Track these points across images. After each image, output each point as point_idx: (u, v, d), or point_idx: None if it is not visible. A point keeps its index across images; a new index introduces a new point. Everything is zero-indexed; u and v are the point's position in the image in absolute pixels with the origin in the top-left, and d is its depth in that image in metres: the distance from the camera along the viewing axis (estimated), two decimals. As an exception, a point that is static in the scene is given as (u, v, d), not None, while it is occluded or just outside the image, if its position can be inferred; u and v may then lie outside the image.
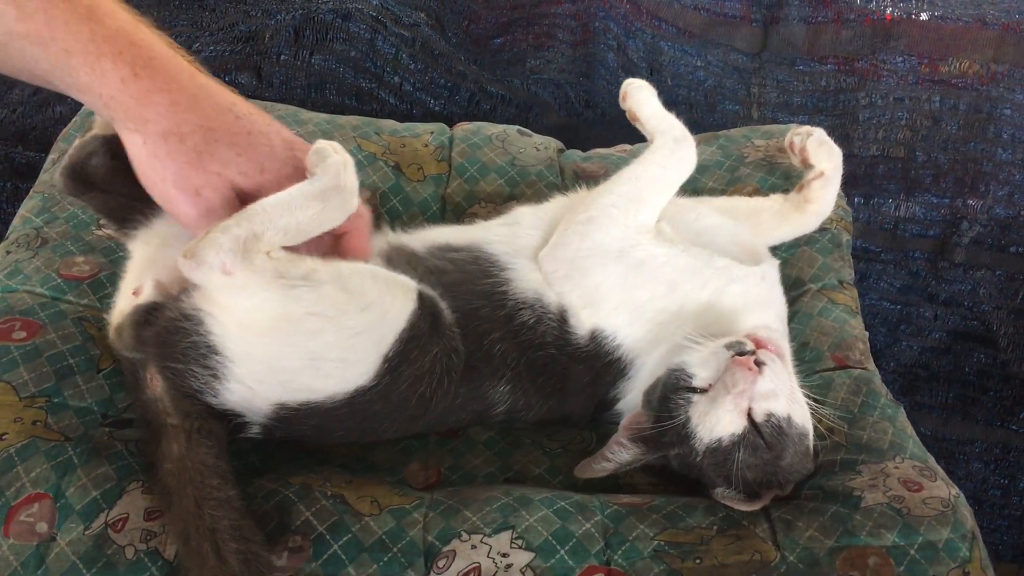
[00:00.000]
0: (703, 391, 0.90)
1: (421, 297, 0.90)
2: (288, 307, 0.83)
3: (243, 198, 0.84)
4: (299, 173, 0.86)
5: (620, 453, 0.91)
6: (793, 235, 1.15)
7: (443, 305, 0.92)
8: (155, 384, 0.85)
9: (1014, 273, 1.71)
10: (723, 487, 0.89)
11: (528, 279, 0.98)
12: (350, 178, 0.86)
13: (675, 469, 0.93)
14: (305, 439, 0.92)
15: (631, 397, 0.98)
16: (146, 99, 0.80)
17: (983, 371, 1.73)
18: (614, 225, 0.98)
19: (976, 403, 1.73)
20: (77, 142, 0.93)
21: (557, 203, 1.07)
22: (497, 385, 0.95)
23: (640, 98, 1.08)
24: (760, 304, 1.00)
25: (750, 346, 0.90)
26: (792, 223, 1.13)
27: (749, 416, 0.88)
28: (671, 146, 1.04)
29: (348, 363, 0.85)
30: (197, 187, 0.82)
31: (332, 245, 0.91)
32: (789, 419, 0.89)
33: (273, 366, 0.84)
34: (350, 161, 0.87)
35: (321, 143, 0.86)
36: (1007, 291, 1.71)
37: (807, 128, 1.15)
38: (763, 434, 0.87)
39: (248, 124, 0.85)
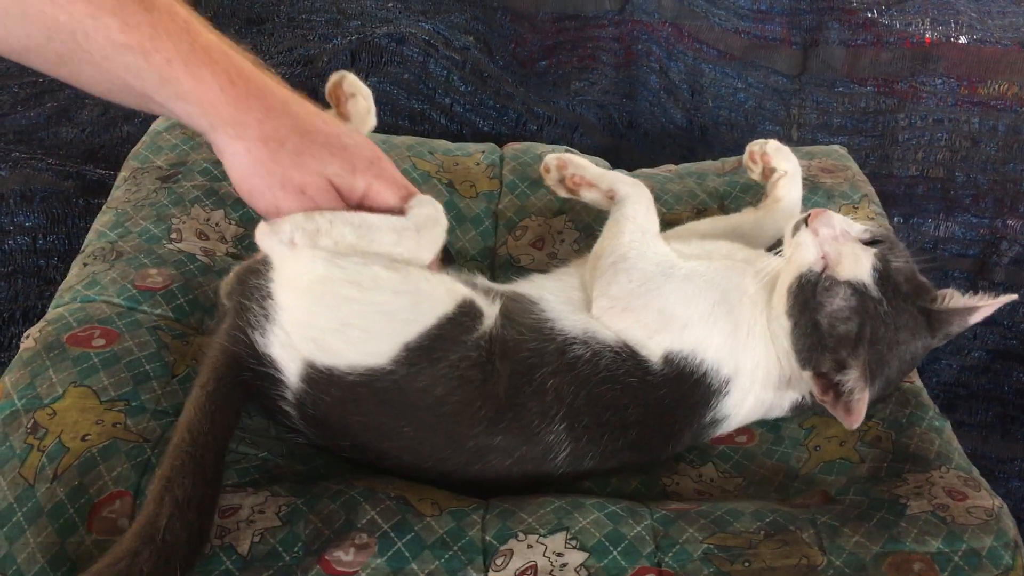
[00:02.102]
0: (824, 269, 0.96)
1: (464, 305, 0.92)
2: (332, 271, 0.89)
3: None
4: (382, 179, 0.92)
5: (847, 382, 0.94)
6: (772, 239, 1.17)
7: (490, 321, 0.94)
8: (224, 325, 0.92)
9: (1054, 293, 1.72)
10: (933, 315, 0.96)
11: (571, 319, 0.99)
12: (434, 234, 0.93)
13: (888, 358, 0.96)
14: (328, 428, 0.92)
15: (735, 412, 1.01)
16: (244, 105, 0.84)
17: (1022, 390, 1.74)
18: (645, 256, 1.02)
19: (1016, 421, 1.74)
20: None
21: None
22: (550, 424, 0.93)
23: (581, 164, 1.15)
24: None
25: (805, 214, 1.00)
26: (769, 226, 1.17)
27: (864, 243, 0.97)
28: (636, 189, 1.09)
29: (369, 337, 0.89)
30: (302, 186, 0.88)
31: None
32: (874, 226, 1.00)
33: (308, 322, 0.89)
34: (443, 222, 0.95)
35: (427, 198, 0.95)
36: (1047, 311, 1.72)
37: (761, 140, 1.20)
38: (884, 238, 0.98)
39: (337, 128, 0.91)
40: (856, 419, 0.92)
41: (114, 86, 0.84)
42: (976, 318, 0.97)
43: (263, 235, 0.90)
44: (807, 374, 0.97)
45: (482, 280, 1.02)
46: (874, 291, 0.94)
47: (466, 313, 0.92)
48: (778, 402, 1.03)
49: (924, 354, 1.00)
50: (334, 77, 1.08)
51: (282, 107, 0.87)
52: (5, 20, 0.78)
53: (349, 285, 0.89)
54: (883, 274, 0.95)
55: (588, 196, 1.14)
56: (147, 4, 0.81)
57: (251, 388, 0.91)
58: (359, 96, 1.08)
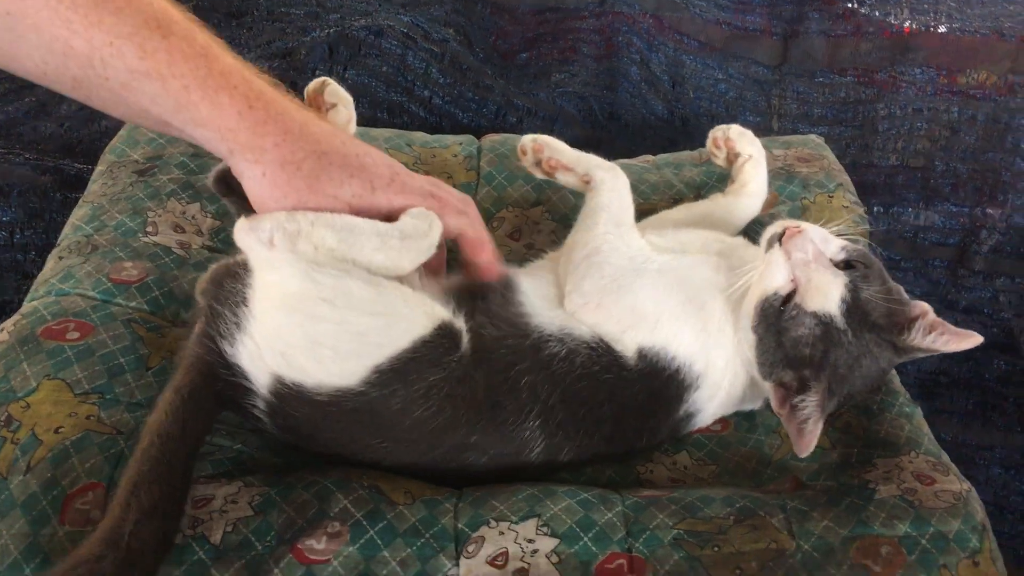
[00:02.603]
0: (792, 292, 0.95)
1: (442, 328, 0.91)
2: (306, 286, 0.87)
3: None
4: (404, 194, 0.92)
5: (805, 407, 0.93)
6: (743, 223, 1.19)
7: (466, 339, 0.93)
8: (198, 328, 0.91)
9: (1033, 281, 1.73)
10: (898, 345, 0.96)
11: (547, 314, 0.99)
12: (419, 244, 0.91)
13: (850, 382, 0.96)
14: (301, 438, 0.92)
15: (707, 406, 1.01)
16: (262, 129, 0.85)
17: (1003, 378, 1.75)
18: (618, 250, 1.02)
19: (996, 409, 1.75)
20: None
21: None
22: (525, 421, 0.93)
23: (557, 148, 1.12)
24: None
25: (780, 228, 0.98)
26: (739, 211, 1.18)
27: (838, 266, 0.95)
28: (611, 175, 1.08)
29: (339, 357, 0.87)
30: (317, 209, 0.88)
31: None
32: (853, 245, 0.98)
33: (279, 336, 0.87)
34: (433, 236, 0.92)
35: (423, 211, 0.92)
36: (1027, 298, 1.74)
37: (724, 125, 1.20)
38: (860, 261, 0.96)
39: (355, 148, 0.91)
40: (806, 446, 0.92)
41: (131, 111, 0.84)
42: (944, 351, 0.97)
43: (242, 232, 0.88)
44: (768, 384, 0.97)
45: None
46: (840, 323, 0.94)
47: (444, 335, 0.91)
48: (750, 396, 1.04)
49: (890, 370, 1.02)
50: (315, 83, 1.08)
51: (300, 129, 0.87)
52: (22, 45, 0.79)
53: (322, 303, 0.87)
54: (851, 305, 0.94)
55: (564, 179, 1.12)
56: (164, 30, 0.81)
57: (226, 396, 0.91)
58: (340, 105, 1.08)
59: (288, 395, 0.88)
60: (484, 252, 0.99)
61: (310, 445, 0.93)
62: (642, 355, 0.98)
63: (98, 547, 0.77)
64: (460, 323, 0.94)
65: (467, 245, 0.99)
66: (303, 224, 0.87)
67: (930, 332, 0.96)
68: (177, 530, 0.83)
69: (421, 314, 0.91)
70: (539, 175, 1.15)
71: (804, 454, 0.92)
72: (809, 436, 0.92)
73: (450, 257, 1.04)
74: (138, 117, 0.86)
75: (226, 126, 0.84)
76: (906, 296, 0.99)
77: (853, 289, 0.94)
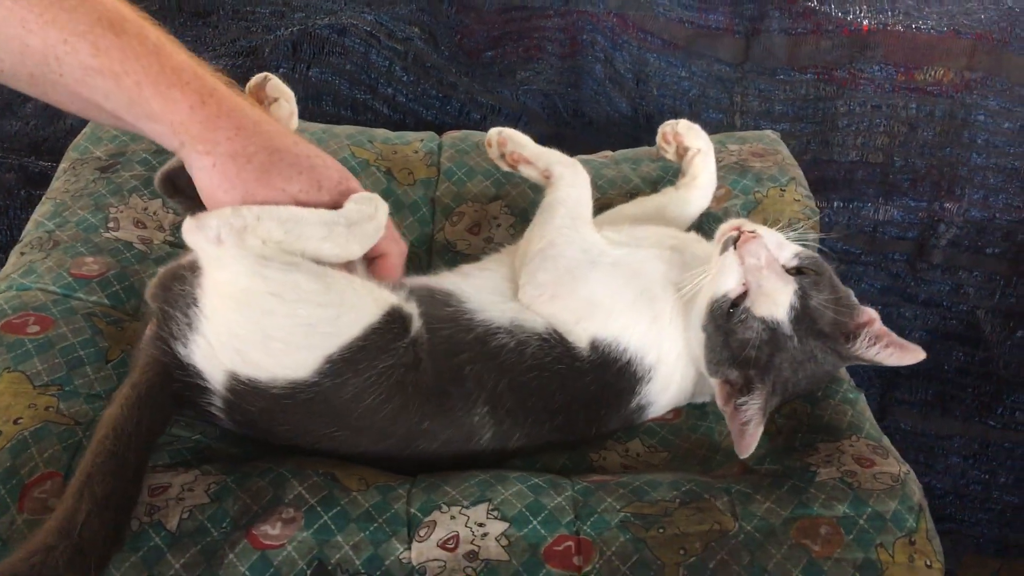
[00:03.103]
0: (743, 296, 0.97)
1: (391, 314, 0.93)
2: (254, 282, 0.88)
3: None
4: (346, 197, 0.94)
5: (748, 410, 0.95)
6: (696, 214, 1.22)
7: (418, 323, 0.95)
8: (150, 330, 0.92)
9: (991, 273, 1.77)
10: (843, 353, 0.98)
11: (498, 308, 1.01)
12: (365, 228, 0.93)
13: (794, 384, 0.98)
14: (258, 431, 0.94)
15: (659, 399, 1.04)
16: (214, 123, 0.87)
17: (962, 368, 1.79)
18: (572, 243, 1.04)
19: (955, 400, 1.79)
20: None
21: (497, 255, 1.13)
22: (472, 408, 0.95)
23: (520, 141, 1.15)
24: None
25: (735, 232, 0.99)
26: (692, 202, 1.21)
27: (790, 272, 0.97)
28: (571, 170, 1.11)
29: (291, 349, 0.89)
30: (264, 202, 0.89)
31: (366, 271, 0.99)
32: (806, 251, 0.99)
33: (231, 333, 0.88)
34: (379, 219, 0.94)
35: (367, 194, 0.95)
36: (984, 291, 1.77)
37: (673, 120, 1.22)
38: (811, 268, 0.97)
39: (306, 149, 0.93)
40: (747, 447, 0.93)
41: (86, 107, 0.86)
42: (887, 364, 0.99)
43: (190, 231, 0.89)
44: (715, 381, 0.99)
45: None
46: (787, 329, 0.96)
47: (393, 321, 0.93)
48: (700, 390, 1.06)
49: (835, 372, 1.04)
50: (256, 78, 1.10)
51: (253, 126, 0.89)
52: None
53: (271, 297, 0.88)
54: (799, 312, 0.96)
55: (526, 173, 1.15)
56: (117, 28, 0.83)
57: (181, 396, 0.92)
58: (282, 100, 1.09)
59: (243, 391, 0.90)
60: (393, 275, 1.01)
61: (267, 437, 0.95)
62: (595, 346, 1.00)
63: (51, 537, 0.79)
64: (411, 308, 0.96)
65: (384, 267, 1.00)
66: (248, 218, 0.88)
67: (875, 343, 0.97)
68: (129, 521, 0.85)
69: (370, 302, 0.93)
70: (504, 167, 1.17)
71: (744, 455, 0.94)
72: (750, 438, 0.94)
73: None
74: (92, 113, 0.88)
75: (178, 120, 0.86)
76: (855, 301, 1.01)
77: (802, 296, 0.96)
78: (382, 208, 0.95)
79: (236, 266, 0.88)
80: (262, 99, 1.09)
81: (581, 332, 1.01)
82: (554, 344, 0.99)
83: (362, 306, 0.92)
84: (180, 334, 0.90)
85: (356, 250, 0.94)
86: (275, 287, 0.88)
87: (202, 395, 0.91)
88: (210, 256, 0.89)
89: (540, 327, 1.00)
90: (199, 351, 0.90)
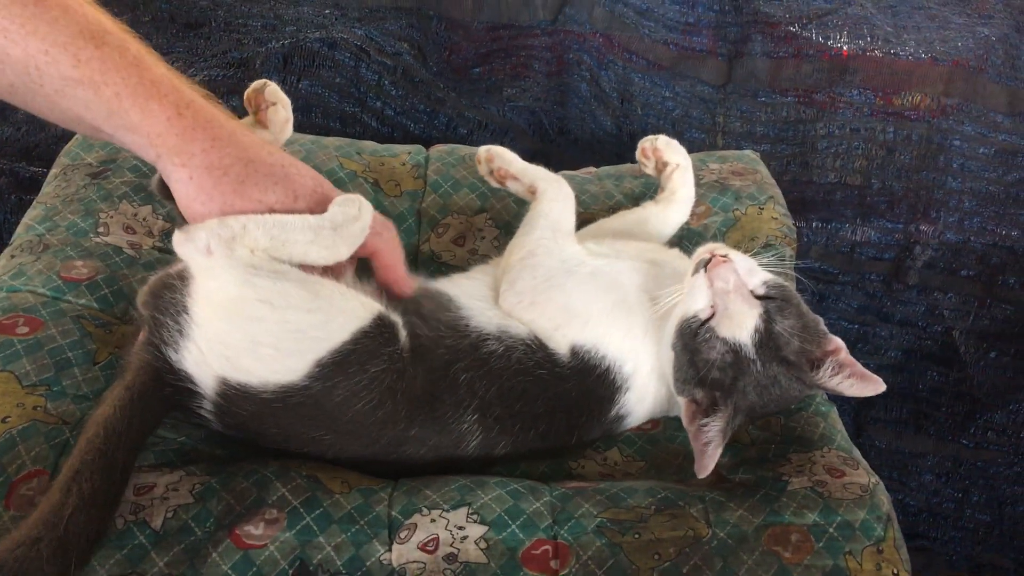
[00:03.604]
0: (710, 317, 0.99)
1: (380, 320, 0.95)
2: (244, 291, 0.90)
3: None
4: (323, 206, 0.96)
5: (709, 431, 0.96)
6: (675, 228, 1.25)
7: (404, 333, 0.97)
8: (142, 335, 0.94)
9: (965, 295, 1.80)
10: (807, 380, 0.99)
11: (486, 315, 1.04)
12: (351, 229, 0.95)
13: (758, 407, 0.99)
14: (249, 434, 0.95)
15: (637, 409, 1.07)
16: (191, 135, 0.88)
17: (936, 388, 1.82)
18: (551, 254, 1.08)
19: (928, 418, 1.82)
20: None
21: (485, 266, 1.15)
22: (463, 415, 0.97)
23: (507, 158, 1.19)
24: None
25: (708, 255, 1.01)
26: (671, 215, 1.24)
27: (758, 297, 0.98)
28: (554, 186, 1.15)
29: (281, 355, 0.91)
30: (242, 213, 0.91)
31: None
32: (775, 279, 1.01)
33: (221, 340, 0.91)
34: (364, 219, 0.96)
35: (350, 196, 0.96)
36: (959, 312, 1.80)
37: (652, 136, 1.26)
38: (778, 296, 0.99)
39: (280, 159, 0.95)
40: (705, 468, 0.95)
41: (66, 116, 0.88)
42: (847, 394, 1.01)
43: (180, 243, 0.92)
44: (681, 400, 1.01)
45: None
46: (750, 352, 0.97)
47: (383, 326, 0.95)
48: (675, 404, 1.07)
49: (801, 397, 1.05)
50: (255, 84, 1.12)
51: (228, 137, 0.91)
52: None
53: (261, 304, 0.91)
54: (763, 337, 0.97)
55: (513, 188, 1.19)
56: (98, 40, 0.85)
57: (172, 399, 0.94)
58: (279, 105, 1.12)
59: (234, 396, 0.92)
60: (394, 272, 1.03)
61: (257, 440, 0.96)
62: (574, 352, 1.03)
63: (36, 529, 0.80)
64: (396, 316, 0.98)
65: (380, 265, 1.02)
66: (235, 228, 0.90)
67: (838, 372, 0.99)
68: (113, 519, 0.86)
69: (358, 306, 0.95)
70: (493, 183, 1.21)
71: (703, 474, 0.95)
72: (709, 459, 0.95)
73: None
74: (72, 122, 0.90)
75: (155, 131, 0.88)
76: (823, 329, 1.02)
77: (767, 321, 0.98)
78: (366, 208, 0.97)
79: (225, 275, 0.91)
80: (260, 103, 1.12)
81: (560, 339, 1.03)
82: (536, 350, 1.02)
83: (351, 311, 0.94)
84: (171, 340, 0.92)
85: (344, 251, 0.96)
86: (264, 294, 0.91)
87: (193, 399, 0.93)
88: (201, 266, 0.91)
89: (524, 333, 1.03)
90: (190, 357, 0.92)
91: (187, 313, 0.92)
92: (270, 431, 0.94)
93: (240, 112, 1.55)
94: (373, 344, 0.93)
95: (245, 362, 0.91)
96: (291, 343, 0.91)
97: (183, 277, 0.93)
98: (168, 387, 0.92)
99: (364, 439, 0.95)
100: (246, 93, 1.12)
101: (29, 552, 0.79)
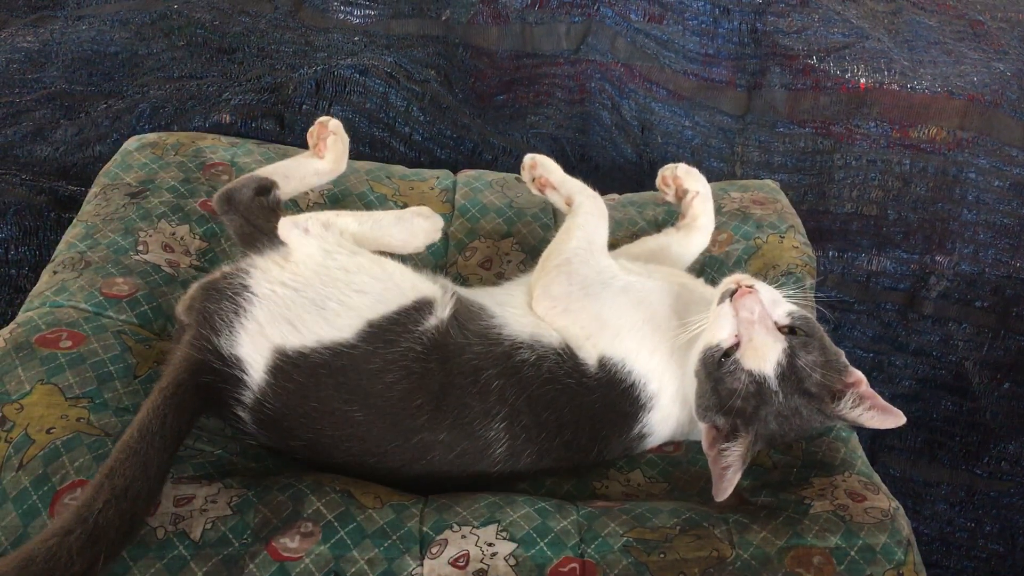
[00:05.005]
0: (735, 347, 1.00)
1: (420, 301, 1.03)
2: (327, 259, 1.05)
3: None
4: None
5: (729, 456, 0.99)
6: (696, 254, 1.28)
7: (434, 322, 1.03)
8: (185, 338, 1.00)
9: (980, 326, 1.81)
10: (828, 412, 1.01)
11: (520, 322, 1.07)
12: (427, 222, 1.17)
13: (779, 436, 1.01)
14: (281, 431, 0.99)
15: (659, 429, 1.08)
16: None
17: (950, 417, 1.83)
18: (587, 264, 1.11)
19: (943, 447, 1.82)
20: (241, 176, 1.21)
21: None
22: (491, 423, 1.00)
23: (549, 167, 1.24)
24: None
25: (734, 285, 1.03)
26: (692, 242, 1.27)
27: (782, 330, 1.00)
28: (591, 200, 1.19)
29: (344, 310, 1.00)
30: None
31: None
32: (799, 311, 1.03)
33: (288, 304, 1.00)
34: (437, 221, 1.18)
35: (426, 209, 1.18)
36: (973, 343, 1.82)
37: (672, 164, 1.29)
38: (801, 330, 1.01)
39: None
40: (723, 491, 0.97)
41: None
42: (868, 426, 1.02)
43: (284, 225, 1.07)
44: (702, 425, 1.03)
45: (444, 282, 1.10)
46: (773, 384, 0.99)
47: (419, 308, 1.03)
48: (696, 427, 1.08)
49: (820, 427, 1.07)
50: (320, 119, 1.28)
51: None
52: None
53: (338, 270, 1.04)
54: (786, 370, 0.99)
55: (552, 197, 1.24)
56: None
57: (210, 395, 0.97)
58: (339, 137, 1.26)
59: (285, 368, 0.97)
60: None
61: (287, 438, 0.99)
62: (603, 364, 1.06)
63: (68, 522, 0.84)
64: (439, 309, 1.04)
65: None
66: (331, 216, 1.09)
67: (859, 404, 1.01)
68: (145, 516, 0.89)
69: (409, 286, 1.05)
70: (534, 191, 1.25)
71: (720, 498, 0.97)
72: (727, 483, 0.97)
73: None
74: None
75: None
76: (844, 362, 1.04)
77: (790, 355, 1.00)
78: (437, 217, 1.18)
79: (315, 248, 1.05)
80: (322, 135, 1.25)
81: (591, 348, 1.06)
82: (566, 359, 1.05)
83: (403, 287, 1.05)
84: (223, 327, 0.98)
85: (421, 241, 1.16)
86: (342, 262, 1.05)
87: (234, 391, 0.98)
88: (298, 242, 1.06)
89: (556, 342, 1.06)
90: (246, 335, 0.98)
91: (248, 289, 1.01)
92: (308, 407, 0.97)
93: (270, 135, 1.60)
94: (408, 320, 1.01)
95: (308, 320, 0.99)
96: (354, 300, 1.01)
97: (242, 270, 1.04)
98: (209, 376, 0.97)
99: (390, 424, 0.98)
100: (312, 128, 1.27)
101: (60, 543, 0.82)
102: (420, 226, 1.16)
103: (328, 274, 1.03)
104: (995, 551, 1.83)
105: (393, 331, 1.00)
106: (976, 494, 1.81)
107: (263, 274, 1.03)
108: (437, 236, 1.18)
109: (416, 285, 1.06)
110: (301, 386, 0.97)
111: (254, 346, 0.98)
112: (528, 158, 1.25)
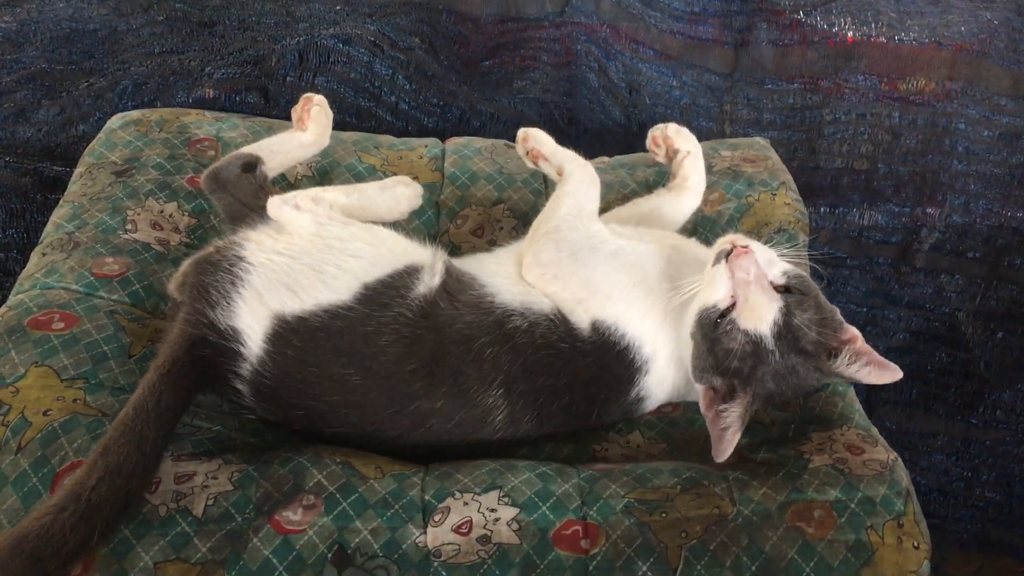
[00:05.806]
0: (731, 308, 1.00)
1: (411, 266, 1.05)
2: (320, 229, 1.06)
3: None
4: None
5: (728, 416, 0.98)
6: (688, 214, 1.28)
7: (424, 288, 1.04)
8: (180, 315, 1.00)
9: (972, 277, 1.82)
10: (824, 369, 1.01)
11: (511, 291, 1.07)
12: (409, 190, 1.18)
13: (776, 395, 1.02)
14: (279, 401, 0.99)
15: (656, 392, 1.09)
16: None
17: (944, 369, 1.84)
18: (576, 229, 1.11)
19: (938, 399, 1.84)
20: (227, 155, 1.21)
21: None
22: (489, 390, 1.01)
23: (541, 139, 1.24)
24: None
25: (729, 245, 1.02)
26: (684, 202, 1.27)
27: (778, 289, 1.00)
28: (581, 168, 1.19)
29: (340, 273, 1.02)
30: None
31: None
32: (794, 269, 1.03)
33: (286, 271, 1.01)
34: (418, 190, 1.20)
35: (406, 178, 1.20)
36: (966, 294, 1.82)
37: (662, 124, 1.28)
38: (797, 288, 1.01)
39: None
40: (723, 452, 0.97)
41: None
42: (865, 382, 1.02)
43: (274, 204, 1.08)
44: (699, 386, 1.03)
45: (434, 249, 1.11)
46: (769, 343, 0.99)
47: (410, 273, 1.04)
48: (692, 389, 1.09)
49: (817, 384, 1.06)
50: (305, 96, 1.28)
51: None
52: None
53: (333, 238, 1.05)
54: (783, 329, 0.99)
55: (544, 168, 1.24)
56: None
57: (207, 370, 0.98)
58: (322, 109, 1.28)
59: (284, 332, 0.98)
60: None
61: (285, 408, 1.00)
62: (595, 328, 1.06)
63: (62, 499, 0.84)
64: (429, 273, 1.05)
65: None
66: (319, 191, 1.10)
67: (855, 360, 1.01)
68: (142, 493, 0.90)
69: (401, 251, 1.07)
70: (528, 163, 1.25)
71: (720, 459, 0.98)
72: (727, 444, 0.98)
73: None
74: None
75: None
76: (839, 319, 1.04)
77: (787, 314, 0.99)
78: (417, 186, 1.20)
79: (307, 220, 1.06)
80: (308, 107, 1.26)
81: (583, 313, 1.06)
82: (559, 324, 1.05)
83: (396, 251, 1.06)
84: (220, 298, 0.99)
85: (405, 207, 1.18)
86: (336, 232, 1.06)
87: (231, 363, 0.98)
88: (289, 217, 1.07)
89: (548, 308, 1.06)
90: (243, 305, 0.99)
91: (243, 260, 1.02)
92: (307, 373, 0.98)
93: (256, 109, 1.58)
94: (400, 284, 1.03)
95: (307, 284, 1.00)
96: (350, 264, 1.03)
97: (235, 243, 1.05)
98: (207, 349, 0.97)
99: (385, 389, 0.98)
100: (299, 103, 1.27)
101: (55, 520, 0.83)
102: (402, 193, 1.17)
103: (324, 242, 1.05)
104: (992, 499, 1.85)
105: (387, 294, 1.02)
106: (972, 444, 1.83)
107: (257, 246, 1.03)
108: (418, 202, 1.20)
109: (407, 250, 1.08)
110: (300, 351, 0.98)
111: (252, 315, 0.98)
112: (521, 132, 1.25)
